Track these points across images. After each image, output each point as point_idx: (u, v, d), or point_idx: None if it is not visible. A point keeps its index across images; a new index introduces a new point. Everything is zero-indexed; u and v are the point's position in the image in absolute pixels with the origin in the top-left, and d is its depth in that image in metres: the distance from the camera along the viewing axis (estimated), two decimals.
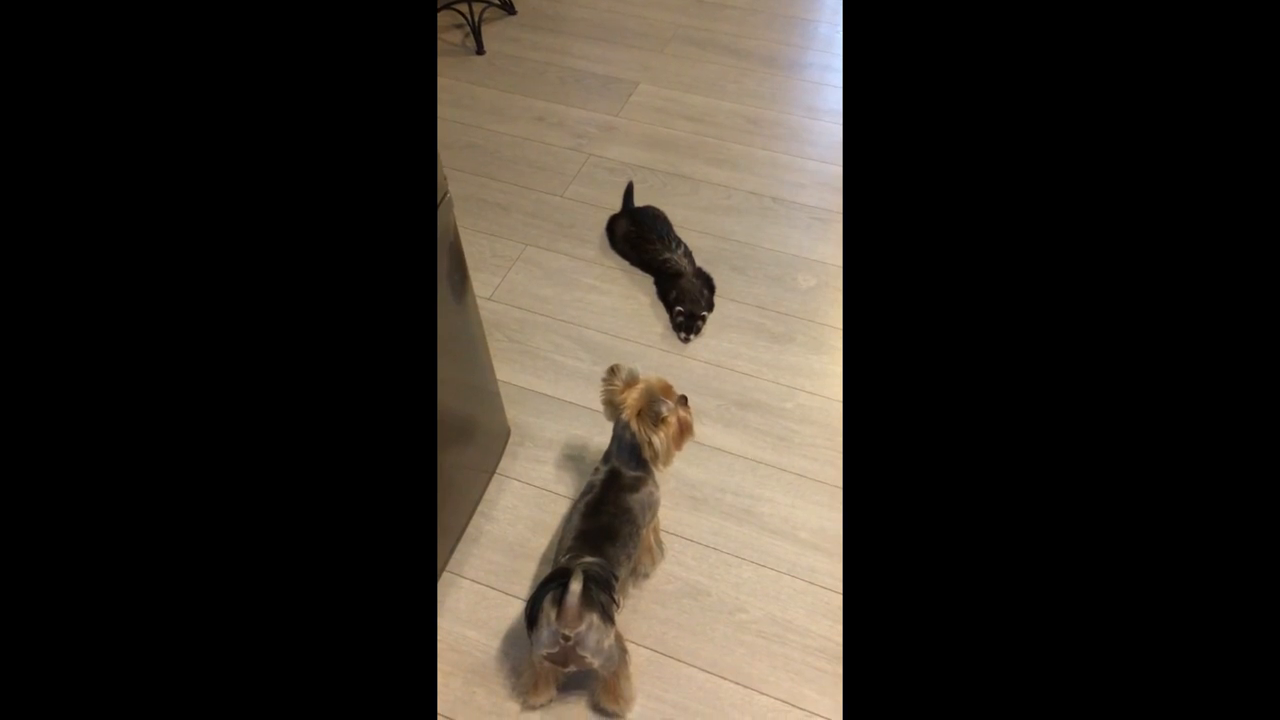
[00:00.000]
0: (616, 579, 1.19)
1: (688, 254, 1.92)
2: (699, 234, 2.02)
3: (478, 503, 1.52)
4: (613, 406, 1.30)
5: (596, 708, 1.28)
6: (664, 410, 1.27)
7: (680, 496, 1.54)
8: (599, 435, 1.59)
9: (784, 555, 1.46)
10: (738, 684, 1.31)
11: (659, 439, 1.26)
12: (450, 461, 1.35)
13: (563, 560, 1.19)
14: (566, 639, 1.10)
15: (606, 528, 1.23)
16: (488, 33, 2.63)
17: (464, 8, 2.57)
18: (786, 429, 1.64)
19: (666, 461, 1.29)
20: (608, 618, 1.13)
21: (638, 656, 1.32)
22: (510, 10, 2.73)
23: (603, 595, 1.13)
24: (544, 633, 1.12)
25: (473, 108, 2.39)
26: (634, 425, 1.25)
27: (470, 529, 1.49)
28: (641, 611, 1.39)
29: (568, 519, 1.30)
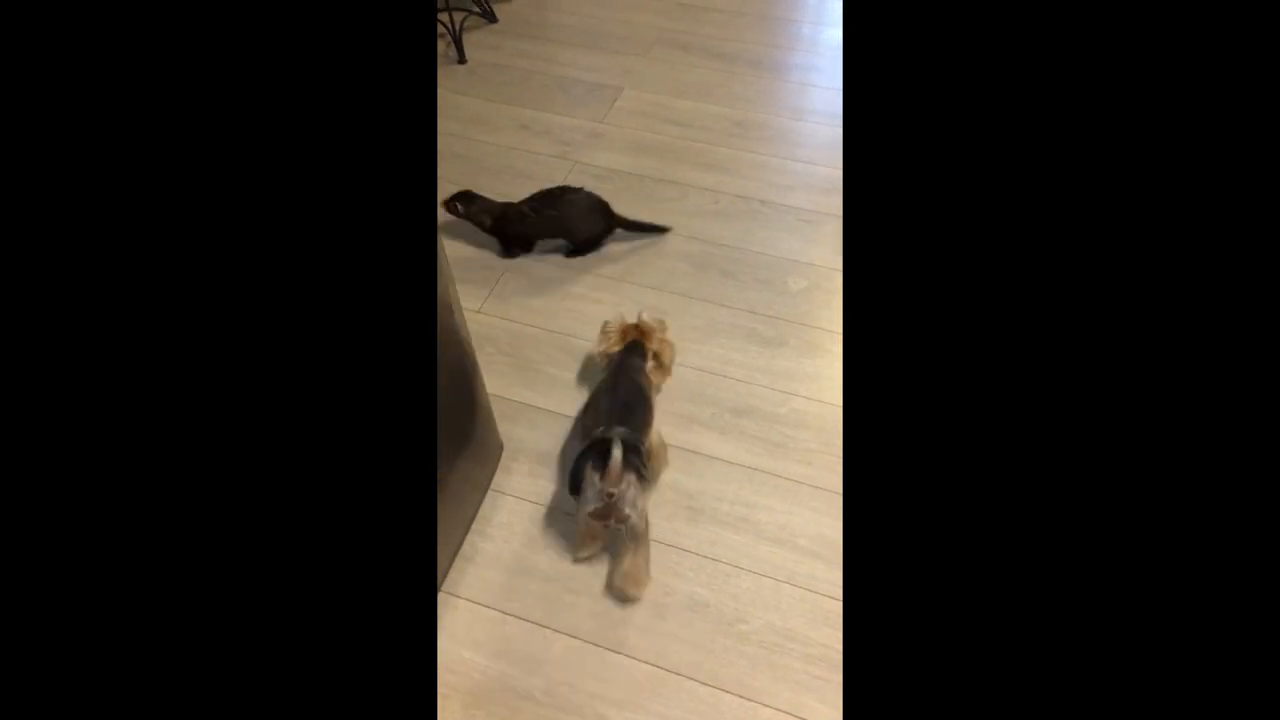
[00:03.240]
0: (643, 446, 1.38)
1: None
2: (688, 239, 2.01)
3: (473, 520, 1.51)
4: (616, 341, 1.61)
5: (614, 590, 1.40)
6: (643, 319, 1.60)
7: (677, 507, 1.52)
8: None
9: (782, 563, 1.45)
10: (740, 696, 1.30)
11: (654, 346, 1.60)
12: (444, 478, 1.33)
13: (597, 433, 1.35)
14: (610, 496, 1.28)
15: (625, 403, 1.44)
16: (469, 41, 2.62)
17: (445, 16, 2.55)
18: (782, 434, 1.63)
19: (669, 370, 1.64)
20: (642, 478, 1.33)
21: (637, 673, 1.31)
22: (492, 18, 2.72)
23: (635, 459, 1.32)
24: (589, 493, 1.30)
25: (456, 117, 2.37)
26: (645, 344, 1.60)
27: (465, 547, 1.47)
28: (641, 626, 1.37)
29: (587, 406, 1.58)
